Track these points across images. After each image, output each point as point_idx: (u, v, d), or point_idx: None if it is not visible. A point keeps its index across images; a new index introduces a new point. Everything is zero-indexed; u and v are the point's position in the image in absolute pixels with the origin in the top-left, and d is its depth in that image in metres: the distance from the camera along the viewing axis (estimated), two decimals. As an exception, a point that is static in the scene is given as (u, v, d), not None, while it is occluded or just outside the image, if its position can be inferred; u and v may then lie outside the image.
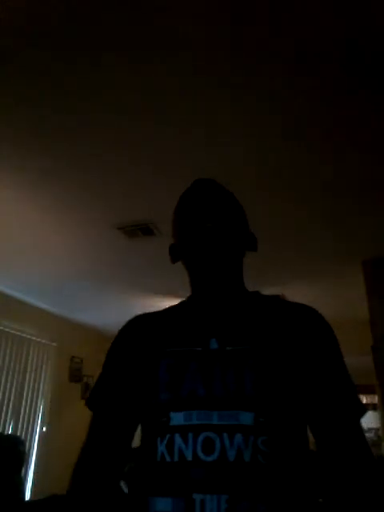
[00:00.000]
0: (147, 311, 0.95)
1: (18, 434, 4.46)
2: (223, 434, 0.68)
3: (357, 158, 2.37)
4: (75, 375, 5.48)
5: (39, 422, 4.82)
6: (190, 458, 0.67)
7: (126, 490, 2.09)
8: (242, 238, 0.92)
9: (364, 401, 8.10)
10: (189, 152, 2.32)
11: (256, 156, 2.38)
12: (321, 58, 1.74)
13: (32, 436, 4.68)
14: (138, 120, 2.10)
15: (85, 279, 4.16)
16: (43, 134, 2.19)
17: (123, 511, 0.72)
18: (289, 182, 2.61)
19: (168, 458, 0.69)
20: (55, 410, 5.00)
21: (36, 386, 4.85)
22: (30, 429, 4.67)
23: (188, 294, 0.94)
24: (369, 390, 7.53)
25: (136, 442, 0.82)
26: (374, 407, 7.65)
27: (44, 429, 4.82)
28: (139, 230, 3.12)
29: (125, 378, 0.83)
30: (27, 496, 3.58)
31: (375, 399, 7.00)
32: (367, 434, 7.76)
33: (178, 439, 0.69)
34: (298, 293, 4.45)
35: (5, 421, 4.36)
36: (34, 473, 4.52)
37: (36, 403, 4.81)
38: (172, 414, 0.72)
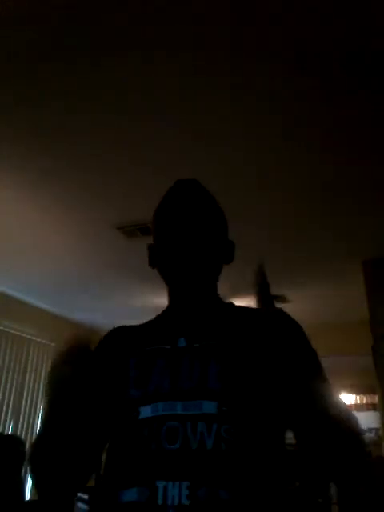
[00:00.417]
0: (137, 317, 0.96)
1: (18, 434, 4.46)
2: (187, 423, 0.69)
3: (357, 157, 2.37)
4: (75, 375, 5.48)
5: (39, 421, 4.82)
6: (153, 447, 0.69)
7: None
8: (219, 247, 0.89)
9: (364, 401, 8.09)
10: (189, 152, 2.32)
11: (256, 156, 2.38)
12: (321, 58, 1.74)
13: (32, 436, 4.68)
14: (138, 120, 2.10)
15: (85, 279, 4.15)
16: (43, 134, 2.19)
17: (95, 506, 0.74)
18: (289, 182, 2.61)
19: (135, 450, 0.71)
20: (55, 410, 5.00)
21: (36, 386, 4.84)
22: (29, 429, 4.67)
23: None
24: (369, 390, 7.54)
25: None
26: (374, 407, 7.65)
27: (44, 429, 4.82)
28: (139, 230, 3.12)
29: (96, 379, 0.84)
30: (27, 496, 3.58)
31: (375, 399, 7.00)
32: (367, 434, 7.76)
33: (144, 431, 0.71)
34: (298, 293, 4.45)
35: (5, 421, 4.36)
36: (34, 473, 4.53)
37: (36, 403, 4.81)
38: (141, 409, 0.73)
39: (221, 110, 2.04)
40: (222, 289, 0.94)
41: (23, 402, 4.63)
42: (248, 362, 0.75)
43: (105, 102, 1.98)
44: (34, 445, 0.81)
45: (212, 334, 0.81)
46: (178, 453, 0.67)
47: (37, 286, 4.36)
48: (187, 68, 1.80)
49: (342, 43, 1.68)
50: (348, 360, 5.94)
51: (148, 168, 2.46)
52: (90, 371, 0.86)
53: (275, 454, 0.73)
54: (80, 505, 3.18)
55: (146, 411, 0.73)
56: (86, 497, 3.13)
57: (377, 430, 7.36)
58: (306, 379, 0.78)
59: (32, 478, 0.81)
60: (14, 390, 4.51)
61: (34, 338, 4.86)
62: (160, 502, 0.64)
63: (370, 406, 7.88)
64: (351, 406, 8.16)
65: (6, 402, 4.39)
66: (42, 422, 0.83)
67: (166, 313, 0.93)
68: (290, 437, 0.79)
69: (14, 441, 3.07)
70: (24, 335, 4.71)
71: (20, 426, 4.55)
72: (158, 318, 0.94)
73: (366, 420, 7.85)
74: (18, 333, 4.64)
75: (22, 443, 3.02)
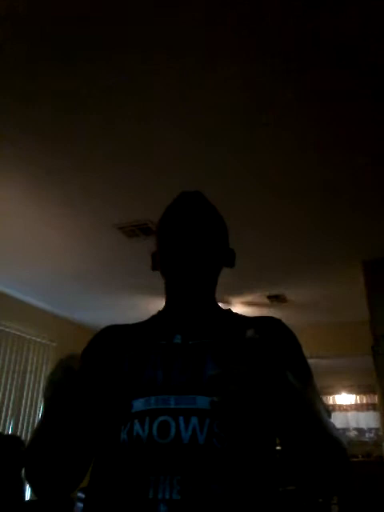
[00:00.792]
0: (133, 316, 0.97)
1: (18, 434, 4.46)
2: (179, 417, 0.70)
3: (357, 158, 2.37)
4: (75, 375, 5.48)
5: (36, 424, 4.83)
6: (145, 440, 0.69)
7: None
8: (219, 254, 0.93)
9: (364, 401, 8.10)
10: (189, 153, 2.32)
11: (256, 156, 2.38)
12: (321, 58, 1.74)
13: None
14: (139, 120, 2.10)
15: (85, 279, 4.16)
16: (43, 134, 2.19)
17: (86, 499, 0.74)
18: (289, 183, 2.61)
19: (127, 444, 0.71)
20: (55, 410, 5.00)
21: (36, 386, 4.85)
22: (29, 429, 4.67)
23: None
24: (369, 390, 7.55)
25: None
26: (373, 407, 7.65)
27: (44, 429, 4.82)
28: (139, 230, 3.13)
29: (90, 374, 0.84)
30: (27, 496, 3.58)
31: (375, 399, 7.01)
32: (367, 434, 7.76)
33: (136, 424, 0.71)
34: (298, 293, 4.45)
35: (5, 421, 4.36)
36: (34, 473, 4.53)
37: (36, 403, 4.81)
38: (134, 402, 0.74)
39: (221, 111, 2.04)
40: (219, 289, 0.96)
41: (23, 402, 4.63)
42: (242, 361, 0.75)
43: (105, 102, 1.98)
44: (28, 448, 0.81)
45: (208, 332, 0.83)
46: (169, 447, 0.68)
47: (37, 286, 4.37)
48: (187, 69, 1.80)
49: (343, 43, 1.68)
50: (348, 360, 5.95)
51: (148, 168, 2.47)
52: (84, 368, 0.87)
53: (267, 452, 0.74)
54: (80, 505, 3.18)
55: (138, 404, 0.73)
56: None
57: (377, 429, 7.36)
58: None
59: (28, 480, 0.81)
60: (14, 389, 4.51)
61: (33, 338, 4.86)
62: (151, 495, 0.64)
63: (370, 406, 7.88)
64: (351, 406, 8.17)
65: (6, 402, 4.39)
66: (36, 426, 0.83)
67: (162, 313, 0.95)
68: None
69: (14, 441, 3.07)
70: (24, 335, 4.72)
71: (20, 426, 4.55)
72: (153, 318, 0.96)
73: (366, 420, 7.86)
74: (18, 333, 4.64)
75: (22, 443, 3.02)
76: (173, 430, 0.69)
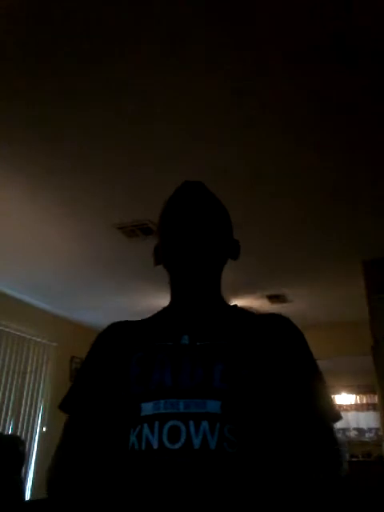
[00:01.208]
0: (136, 316, 0.96)
1: (18, 434, 4.45)
2: (189, 421, 0.69)
3: (357, 158, 2.37)
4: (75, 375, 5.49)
5: (39, 421, 4.82)
6: (155, 446, 0.68)
7: None
8: (224, 245, 0.91)
9: (364, 401, 8.09)
10: (189, 152, 2.32)
11: (256, 156, 2.38)
12: (323, 57, 1.74)
13: (32, 436, 4.68)
14: (139, 120, 2.10)
15: (85, 279, 4.16)
16: (43, 134, 2.19)
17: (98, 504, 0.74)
18: (289, 182, 2.61)
19: (137, 447, 0.71)
20: (55, 410, 4.97)
21: (36, 386, 4.84)
22: (29, 429, 4.66)
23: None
24: (369, 390, 7.54)
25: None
26: (373, 407, 7.65)
27: (44, 429, 4.82)
28: (139, 230, 3.13)
29: (98, 378, 0.84)
30: (27, 496, 3.58)
31: (375, 399, 7.00)
32: (367, 434, 7.76)
33: (145, 428, 0.70)
34: (298, 293, 4.45)
35: (5, 421, 4.35)
36: (34, 473, 4.51)
37: (36, 403, 4.81)
38: (142, 405, 0.73)
39: (221, 110, 2.04)
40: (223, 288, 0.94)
41: (23, 402, 4.63)
42: (251, 364, 0.75)
43: (105, 102, 1.98)
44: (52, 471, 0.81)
45: (216, 333, 0.81)
46: (180, 452, 0.67)
47: (37, 286, 4.36)
48: (187, 69, 1.80)
49: (344, 43, 1.68)
50: (348, 360, 5.94)
51: (148, 168, 2.47)
52: (90, 369, 0.87)
53: (274, 456, 0.73)
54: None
55: (147, 408, 0.72)
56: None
57: (377, 429, 7.36)
58: (305, 384, 0.78)
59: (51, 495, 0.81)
60: (14, 390, 4.51)
61: (33, 338, 4.85)
62: (162, 500, 0.64)
63: (370, 406, 7.87)
64: (351, 406, 8.16)
65: (5, 402, 4.39)
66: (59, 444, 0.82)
67: (168, 310, 0.92)
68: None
69: (14, 441, 3.07)
70: (24, 335, 4.71)
71: (20, 425, 4.55)
72: (159, 314, 0.94)
73: (366, 420, 7.86)
74: (18, 333, 4.64)
75: (21, 443, 3.02)
76: (183, 435, 0.68)
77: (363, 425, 7.88)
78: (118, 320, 0.94)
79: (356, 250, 3.51)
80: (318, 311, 4.96)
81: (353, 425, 7.93)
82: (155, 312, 0.95)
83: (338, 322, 5.12)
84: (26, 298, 4.68)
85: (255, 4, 1.54)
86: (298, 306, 4.77)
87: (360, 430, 7.87)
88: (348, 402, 8.20)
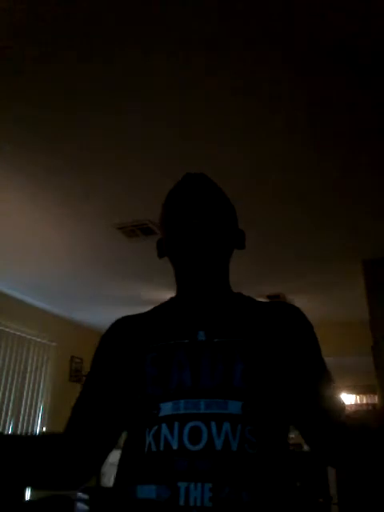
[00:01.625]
0: (139, 312, 0.94)
1: (18, 434, 4.45)
2: (211, 422, 0.68)
3: (357, 158, 2.37)
4: (75, 375, 5.48)
5: (39, 421, 4.82)
6: (175, 447, 0.67)
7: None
8: (229, 234, 0.90)
9: (364, 401, 8.09)
10: (189, 151, 2.32)
11: (256, 156, 2.38)
12: (324, 57, 1.74)
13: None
14: (139, 120, 2.10)
15: (85, 279, 4.16)
16: (44, 134, 2.19)
17: (108, 499, 0.73)
18: (289, 182, 2.61)
19: (154, 448, 0.69)
20: (55, 410, 5.00)
21: (36, 386, 4.84)
22: (29, 429, 4.66)
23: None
24: (369, 390, 7.54)
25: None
26: (373, 407, 7.64)
27: (44, 429, 4.82)
28: (139, 230, 3.13)
29: (111, 377, 0.83)
30: (27, 496, 3.58)
31: (375, 399, 7.00)
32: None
33: (164, 429, 0.69)
34: (298, 293, 4.45)
35: (5, 421, 4.36)
36: (34, 473, 4.52)
37: (36, 403, 4.81)
38: (161, 405, 0.72)
39: (221, 111, 2.04)
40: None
41: (23, 402, 4.63)
42: (270, 362, 0.76)
43: (105, 102, 1.98)
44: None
45: (231, 329, 0.79)
46: (201, 454, 0.66)
47: (37, 286, 4.36)
48: (187, 69, 1.80)
49: (345, 43, 1.68)
50: (348, 360, 5.94)
51: (148, 168, 2.47)
52: (101, 367, 0.86)
53: (286, 456, 0.74)
54: (80, 505, 3.18)
55: (166, 408, 0.71)
56: (86, 497, 3.13)
57: (377, 429, 7.36)
58: (315, 379, 0.80)
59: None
60: (14, 390, 4.51)
61: (33, 338, 4.85)
62: (182, 502, 0.63)
63: (370, 406, 7.87)
64: (351, 405, 8.16)
65: (5, 402, 4.39)
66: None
67: (176, 301, 0.90)
68: (290, 437, 0.81)
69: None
70: (24, 335, 4.71)
71: (20, 426, 4.55)
72: (166, 306, 0.91)
73: (366, 420, 7.86)
74: (18, 333, 4.64)
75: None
76: (205, 436, 0.67)
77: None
78: (117, 320, 0.92)
79: (356, 250, 3.51)
80: (318, 311, 4.95)
81: (353, 425, 7.94)
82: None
83: (338, 321, 5.12)
84: (27, 298, 4.68)
85: (255, 4, 1.54)
86: (297, 306, 4.77)
87: (360, 430, 7.87)
88: (348, 402, 8.20)
